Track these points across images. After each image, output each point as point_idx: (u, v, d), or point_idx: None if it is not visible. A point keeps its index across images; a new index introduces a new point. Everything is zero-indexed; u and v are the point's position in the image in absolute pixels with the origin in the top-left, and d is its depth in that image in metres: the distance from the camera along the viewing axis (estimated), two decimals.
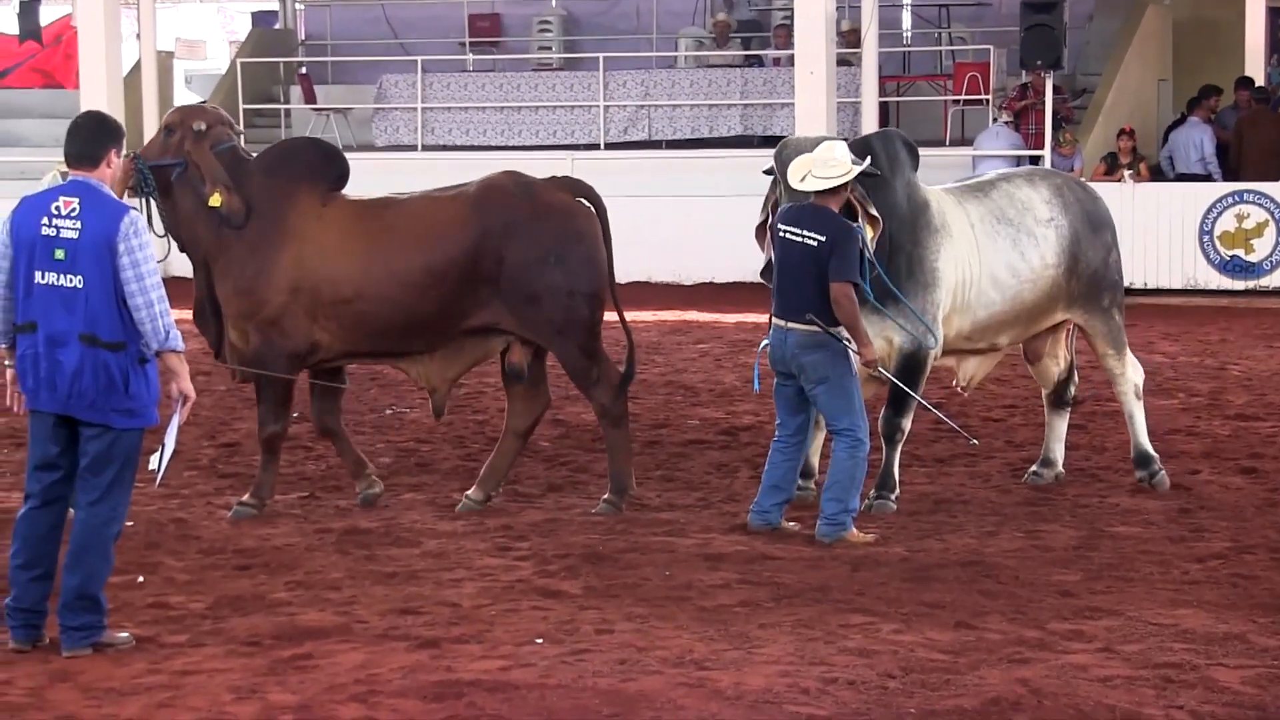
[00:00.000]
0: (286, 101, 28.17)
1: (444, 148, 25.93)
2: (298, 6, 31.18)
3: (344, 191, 11.06)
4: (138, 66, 25.56)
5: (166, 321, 7.94)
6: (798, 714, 7.13)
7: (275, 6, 31.97)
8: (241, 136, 11.34)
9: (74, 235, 7.87)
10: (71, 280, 7.87)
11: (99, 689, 7.53)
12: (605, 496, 10.93)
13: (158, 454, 8.59)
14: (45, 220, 7.90)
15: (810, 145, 10.42)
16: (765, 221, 10.74)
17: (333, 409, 11.19)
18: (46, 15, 34.94)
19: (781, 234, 10.09)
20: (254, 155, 11.14)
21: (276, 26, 31.31)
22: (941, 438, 13.21)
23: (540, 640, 8.16)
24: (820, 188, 10.02)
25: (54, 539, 8.08)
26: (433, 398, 11.13)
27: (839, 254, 9.92)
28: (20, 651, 8.02)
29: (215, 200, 10.75)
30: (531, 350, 10.96)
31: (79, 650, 7.96)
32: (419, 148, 25.99)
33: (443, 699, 7.33)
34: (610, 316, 11.06)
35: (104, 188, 8.02)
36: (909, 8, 28.84)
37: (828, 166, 10.03)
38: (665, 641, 8.12)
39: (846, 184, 10.11)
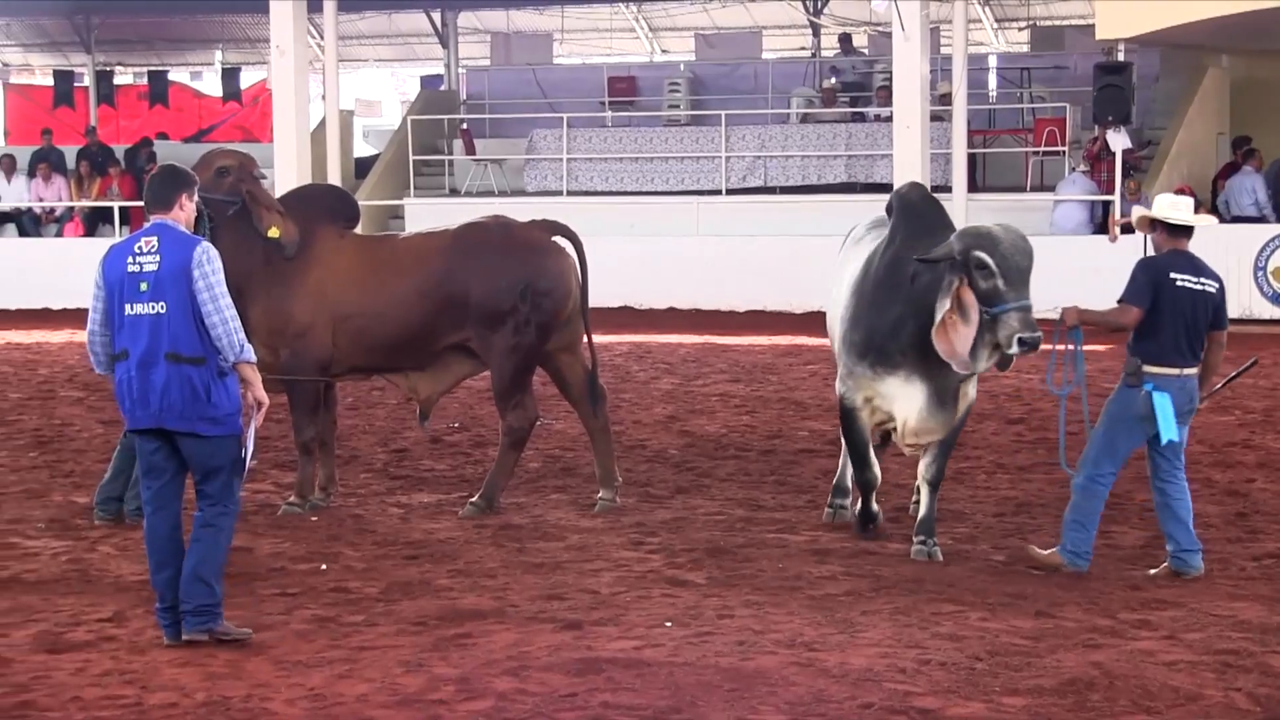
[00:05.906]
0: (450, 153, 28.33)
1: (586, 193, 25.99)
2: (460, 71, 31.44)
3: (355, 230, 11.18)
4: (323, 123, 25.80)
5: (240, 337, 7.90)
6: (895, 690, 7.07)
7: (441, 71, 32.26)
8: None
9: (154, 268, 7.84)
10: (155, 307, 7.81)
11: (288, 662, 7.58)
12: (472, 499, 10.91)
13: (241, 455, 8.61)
14: (130, 259, 7.89)
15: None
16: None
17: (330, 424, 11.23)
18: (246, 79, 35.54)
19: (1181, 283, 8.94)
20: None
21: (442, 88, 31.58)
22: (1022, 449, 13.05)
23: (669, 623, 8.14)
24: (1190, 222, 9.09)
25: (175, 539, 7.95)
26: (421, 406, 11.14)
27: (1225, 301, 9.11)
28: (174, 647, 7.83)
29: (274, 232, 10.74)
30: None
31: (195, 634, 7.78)
32: (564, 193, 26.05)
33: (584, 674, 7.33)
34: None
35: (178, 226, 8.02)
36: (995, 70, 28.69)
37: (1177, 209, 9.10)
38: (779, 625, 8.08)
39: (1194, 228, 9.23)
